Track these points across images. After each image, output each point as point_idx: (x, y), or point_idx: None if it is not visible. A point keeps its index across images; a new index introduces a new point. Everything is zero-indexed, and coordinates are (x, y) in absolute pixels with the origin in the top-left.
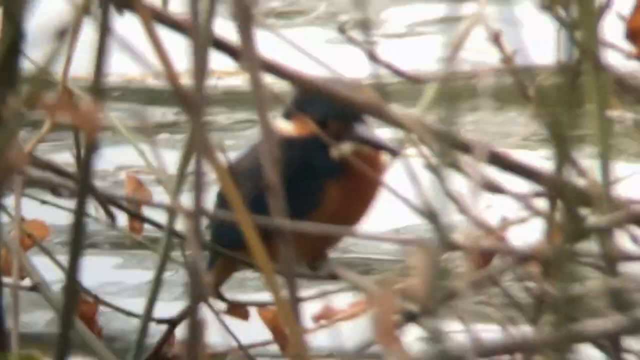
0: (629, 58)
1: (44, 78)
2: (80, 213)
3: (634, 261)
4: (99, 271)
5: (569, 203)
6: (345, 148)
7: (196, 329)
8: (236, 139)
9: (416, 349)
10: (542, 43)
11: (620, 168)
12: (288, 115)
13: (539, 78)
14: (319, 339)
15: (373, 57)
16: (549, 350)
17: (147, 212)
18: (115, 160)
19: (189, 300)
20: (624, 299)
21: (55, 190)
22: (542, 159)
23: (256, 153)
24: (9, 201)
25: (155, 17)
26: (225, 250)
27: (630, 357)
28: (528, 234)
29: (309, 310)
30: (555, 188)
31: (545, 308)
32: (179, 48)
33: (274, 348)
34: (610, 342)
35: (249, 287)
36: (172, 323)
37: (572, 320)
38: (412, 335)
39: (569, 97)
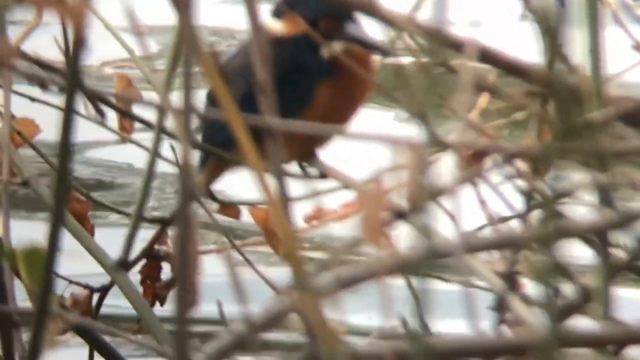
0: None
1: None
2: (69, 110)
3: (623, 157)
4: None
5: (560, 100)
6: (335, 47)
7: (187, 228)
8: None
9: (405, 245)
10: None
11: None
12: (278, 14)
13: None
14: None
15: None
16: (537, 245)
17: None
18: (99, 55)
19: (180, 199)
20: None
21: (44, 85)
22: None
23: (246, 52)
24: None
25: None
26: (216, 149)
27: (617, 251)
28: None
29: (300, 209)
30: (546, 85)
31: (535, 204)
32: None
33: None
34: (598, 237)
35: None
36: (164, 222)
37: (560, 217)
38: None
39: None
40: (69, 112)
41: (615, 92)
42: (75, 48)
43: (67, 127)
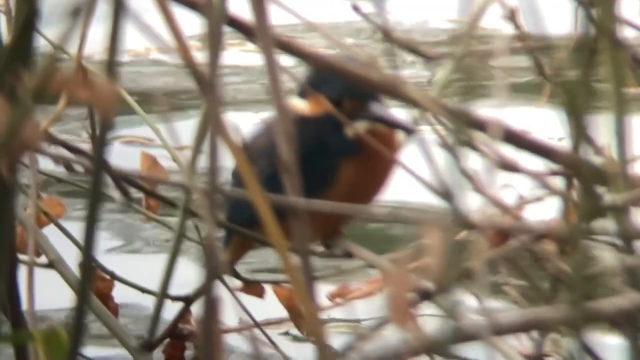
0: None
1: (58, 55)
2: (95, 190)
3: None
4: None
5: (585, 181)
6: (360, 127)
7: (211, 307)
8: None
9: (431, 327)
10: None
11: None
12: (303, 94)
13: (556, 55)
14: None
15: (388, 35)
16: (565, 328)
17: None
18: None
19: (204, 278)
20: None
21: (70, 167)
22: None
23: (271, 131)
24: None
25: None
26: (240, 228)
27: None
28: (544, 213)
29: (325, 288)
30: (572, 166)
31: (562, 286)
32: (192, 25)
33: (290, 326)
34: (626, 320)
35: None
36: (188, 300)
37: (588, 299)
38: (428, 314)
39: (586, 74)
40: (95, 194)
41: None
42: (101, 130)
43: (93, 208)
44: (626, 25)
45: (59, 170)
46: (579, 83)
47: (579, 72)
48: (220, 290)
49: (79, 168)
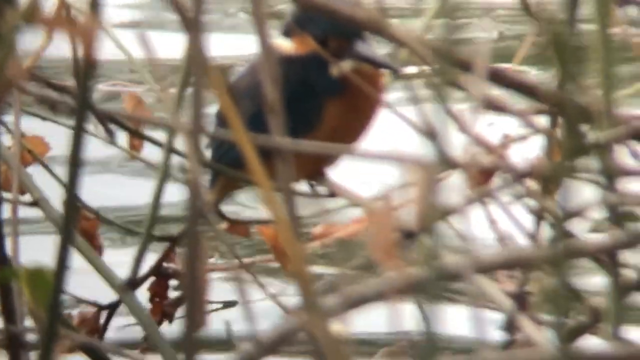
0: None
1: None
2: (79, 129)
3: (633, 177)
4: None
5: (569, 119)
6: (345, 66)
7: (196, 246)
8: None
9: (413, 266)
10: None
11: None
12: (287, 33)
13: None
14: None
15: None
16: (547, 265)
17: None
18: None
19: (189, 218)
20: (622, 213)
21: (54, 106)
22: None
23: (255, 71)
24: (8, 117)
25: None
26: (225, 168)
27: (627, 271)
28: (528, 151)
29: (309, 228)
30: (556, 104)
31: (545, 224)
32: None
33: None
34: (608, 257)
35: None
36: (173, 240)
37: (570, 237)
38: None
39: (571, 13)
40: (78, 132)
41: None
42: (85, 69)
43: (77, 146)
44: None
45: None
46: (565, 21)
47: (565, 11)
48: (205, 229)
49: (62, 106)
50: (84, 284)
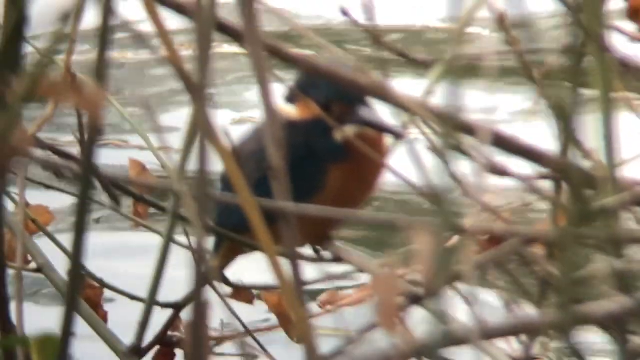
0: (633, 40)
1: (47, 61)
2: (84, 196)
3: (639, 243)
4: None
5: (574, 185)
6: (348, 131)
7: (201, 313)
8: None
9: (420, 331)
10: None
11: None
12: (291, 98)
13: (545, 60)
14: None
15: (377, 40)
16: (554, 332)
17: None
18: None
19: (194, 284)
20: (629, 281)
21: (58, 173)
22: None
23: (260, 136)
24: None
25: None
26: (229, 233)
27: (635, 339)
28: (534, 217)
29: (315, 293)
30: (561, 170)
31: (551, 290)
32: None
33: (280, 332)
34: (615, 325)
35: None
36: (177, 307)
37: (577, 303)
38: (417, 318)
39: (574, 79)
40: (84, 199)
41: (630, 178)
42: (90, 135)
43: (82, 213)
44: (614, 30)
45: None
46: (568, 87)
47: (568, 77)
48: (210, 296)
49: (67, 173)
50: (90, 352)
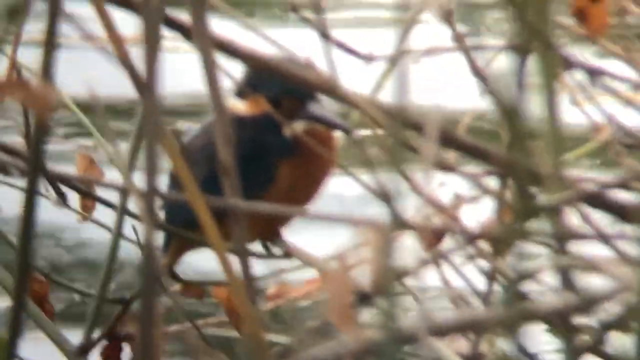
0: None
1: None
2: (31, 192)
3: (583, 240)
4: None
5: (520, 182)
6: (297, 127)
7: (150, 309)
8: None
9: (369, 328)
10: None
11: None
12: (241, 94)
13: (490, 56)
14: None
15: (326, 37)
16: (500, 328)
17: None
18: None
19: (144, 280)
20: (573, 277)
21: (5, 169)
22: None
23: (209, 132)
24: None
25: None
26: (179, 230)
27: (580, 334)
28: (479, 213)
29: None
30: (506, 166)
31: (497, 286)
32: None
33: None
34: (560, 320)
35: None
36: (126, 302)
37: (523, 299)
38: (366, 315)
39: (519, 76)
40: (30, 195)
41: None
42: (37, 132)
43: (29, 209)
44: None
45: None
46: (513, 84)
47: (513, 73)
48: (159, 292)
49: (14, 169)
50: (36, 350)
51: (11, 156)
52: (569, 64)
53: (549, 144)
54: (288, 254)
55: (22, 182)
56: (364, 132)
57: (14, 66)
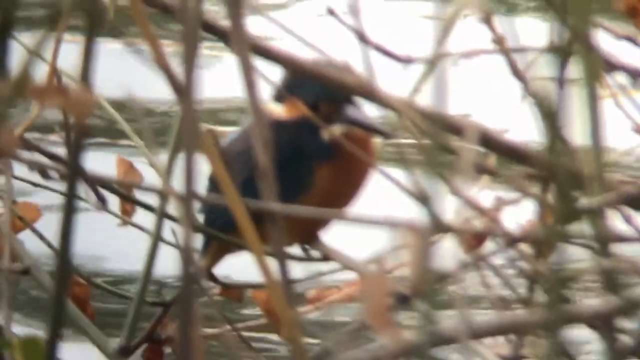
0: (619, 38)
1: (33, 62)
2: (70, 196)
3: (625, 242)
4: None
5: (561, 184)
6: (335, 130)
7: (189, 312)
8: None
9: (408, 331)
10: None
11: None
12: (279, 98)
13: (531, 58)
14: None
15: (363, 39)
16: (542, 331)
17: (138, 195)
18: None
19: (182, 283)
20: (616, 279)
21: (45, 173)
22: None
23: (247, 136)
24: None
25: (145, 1)
26: (217, 233)
27: (623, 337)
28: (520, 215)
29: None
30: (547, 169)
31: (538, 289)
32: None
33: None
34: (603, 323)
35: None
36: (165, 305)
37: (565, 301)
38: (405, 318)
39: (560, 78)
40: (70, 199)
41: (617, 175)
42: (76, 136)
43: (68, 213)
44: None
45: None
46: (554, 85)
47: (554, 74)
48: (198, 294)
49: (54, 174)
50: (77, 352)
51: (51, 160)
52: (610, 66)
53: (592, 146)
54: (326, 257)
55: (62, 186)
56: (403, 135)
57: (54, 72)
